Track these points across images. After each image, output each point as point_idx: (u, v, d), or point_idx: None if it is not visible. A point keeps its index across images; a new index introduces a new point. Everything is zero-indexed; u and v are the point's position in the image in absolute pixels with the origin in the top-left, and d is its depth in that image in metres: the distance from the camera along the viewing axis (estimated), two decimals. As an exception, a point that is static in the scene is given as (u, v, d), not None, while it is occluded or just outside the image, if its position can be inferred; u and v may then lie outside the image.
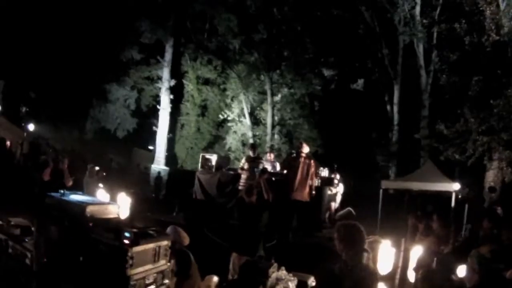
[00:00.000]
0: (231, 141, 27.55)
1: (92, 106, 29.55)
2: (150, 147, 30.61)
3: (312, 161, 10.61)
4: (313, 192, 10.69)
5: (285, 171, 10.88)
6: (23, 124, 18.82)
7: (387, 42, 24.24)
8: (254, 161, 11.09)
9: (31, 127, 17.89)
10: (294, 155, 10.95)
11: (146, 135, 30.89)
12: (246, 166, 10.50)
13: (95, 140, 28.56)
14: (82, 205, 4.82)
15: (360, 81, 27.15)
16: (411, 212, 9.20)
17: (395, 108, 24.30)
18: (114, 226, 4.51)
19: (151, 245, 4.45)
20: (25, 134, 17.99)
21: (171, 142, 29.31)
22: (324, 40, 25.39)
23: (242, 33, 26.22)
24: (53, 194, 5.19)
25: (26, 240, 5.61)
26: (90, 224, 4.53)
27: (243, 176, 11.03)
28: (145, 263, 4.38)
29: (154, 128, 27.84)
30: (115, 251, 4.12)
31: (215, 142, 28.68)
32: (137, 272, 4.25)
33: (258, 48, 26.42)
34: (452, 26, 18.90)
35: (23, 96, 25.31)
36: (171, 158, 29.36)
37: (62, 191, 5.24)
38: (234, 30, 26.26)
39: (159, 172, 24.41)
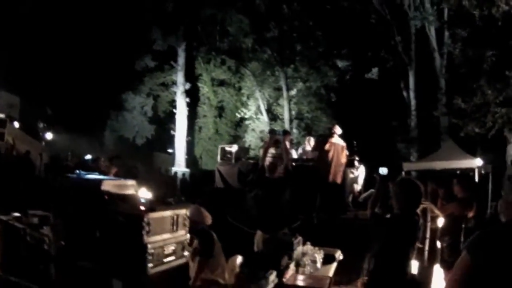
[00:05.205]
0: (250, 139, 27.82)
1: (109, 116, 29.81)
2: (170, 150, 30.76)
3: (344, 144, 10.80)
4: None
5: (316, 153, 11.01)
6: (40, 134, 18.95)
7: (399, 28, 23.98)
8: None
9: (49, 136, 17.98)
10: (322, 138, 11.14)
11: (165, 139, 31.05)
12: None
13: (115, 149, 28.69)
14: (98, 181, 4.81)
15: (374, 70, 26.90)
16: (429, 179, 8.95)
17: (412, 94, 23.97)
18: (130, 197, 4.50)
19: (168, 213, 4.40)
20: (43, 143, 18.12)
21: (190, 145, 29.44)
22: (336, 32, 25.25)
23: (253, 32, 26.37)
24: (69, 175, 5.21)
25: (44, 227, 5.64)
26: (106, 197, 4.52)
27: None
28: (163, 232, 4.32)
29: (172, 132, 27.99)
30: (132, 219, 4.09)
31: (234, 141, 28.64)
32: (154, 240, 4.20)
33: (271, 45, 26.53)
34: (460, 1, 18.54)
35: (40, 112, 25.56)
36: (191, 161, 29.49)
37: (78, 171, 5.25)
38: (246, 30, 26.40)
39: (183, 174, 24.63)
